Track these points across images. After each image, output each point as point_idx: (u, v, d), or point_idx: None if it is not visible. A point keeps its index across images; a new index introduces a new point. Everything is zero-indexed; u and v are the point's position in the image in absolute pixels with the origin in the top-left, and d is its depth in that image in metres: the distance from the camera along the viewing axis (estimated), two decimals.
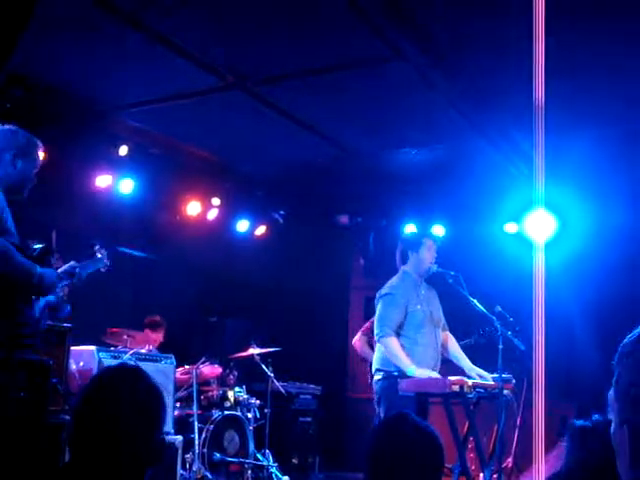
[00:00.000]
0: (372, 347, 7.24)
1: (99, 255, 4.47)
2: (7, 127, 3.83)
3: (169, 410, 6.19)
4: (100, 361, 6.10)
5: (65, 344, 5.12)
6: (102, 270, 4.47)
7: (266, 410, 7.64)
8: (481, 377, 5.38)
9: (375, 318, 5.55)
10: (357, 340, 7.37)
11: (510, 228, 8.32)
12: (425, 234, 5.94)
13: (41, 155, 3.92)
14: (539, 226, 6.71)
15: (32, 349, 3.54)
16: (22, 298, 3.57)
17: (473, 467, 6.25)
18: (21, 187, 3.83)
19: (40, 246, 3.92)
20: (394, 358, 5.27)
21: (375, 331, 5.49)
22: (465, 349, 5.78)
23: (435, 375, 5.22)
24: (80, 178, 7.19)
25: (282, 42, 5.46)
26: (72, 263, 4.08)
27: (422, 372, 5.17)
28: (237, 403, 7.37)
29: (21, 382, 3.32)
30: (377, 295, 5.65)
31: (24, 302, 3.57)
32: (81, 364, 6.03)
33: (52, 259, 3.95)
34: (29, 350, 3.51)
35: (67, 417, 4.78)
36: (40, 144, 3.91)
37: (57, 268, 3.96)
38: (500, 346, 5.14)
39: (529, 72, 4.10)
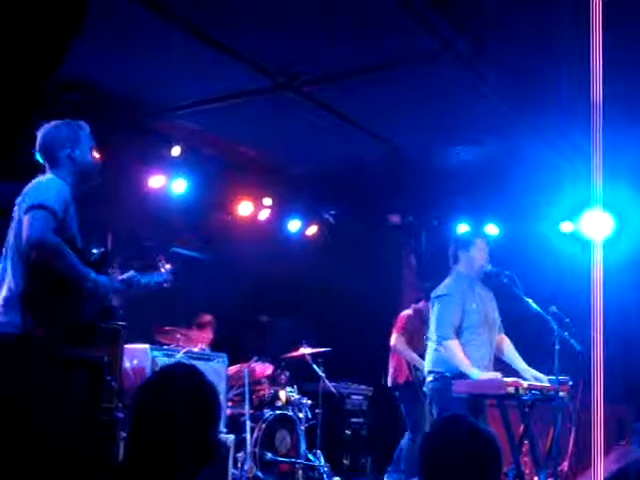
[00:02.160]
0: (410, 346, 7.23)
1: (162, 270, 4.45)
2: (47, 126, 3.80)
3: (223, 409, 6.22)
4: (153, 359, 6.18)
5: (119, 342, 5.19)
6: (165, 286, 4.44)
7: (317, 410, 7.64)
8: (536, 379, 5.29)
9: (433, 320, 5.48)
10: (397, 341, 7.31)
11: (566, 227, 8.16)
12: (476, 234, 5.87)
13: (88, 131, 3.90)
14: (596, 225, 6.56)
15: (87, 346, 3.58)
16: (76, 298, 3.59)
17: (528, 471, 6.15)
18: (89, 174, 3.85)
19: (97, 251, 3.93)
20: (457, 361, 5.19)
21: (436, 333, 5.41)
22: (520, 350, 5.68)
23: (497, 375, 5.10)
24: (134, 179, 7.28)
25: (332, 41, 5.44)
26: (132, 272, 4.09)
27: (485, 375, 5.09)
28: (289, 403, 7.38)
29: (77, 379, 3.36)
30: (432, 295, 5.59)
31: (78, 301, 3.59)
32: (135, 362, 6.11)
33: (110, 267, 3.96)
34: (83, 347, 3.54)
35: (121, 415, 4.84)
36: (83, 124, 3.89)
37: (113, 275, 3.98)
38: (556, 347, 5.03)
39: (586, 67, 4.00)
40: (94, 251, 3.91)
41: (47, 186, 3.59)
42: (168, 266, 4.42)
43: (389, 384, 7.53)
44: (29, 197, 3.52)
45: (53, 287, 3.48)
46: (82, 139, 3.83)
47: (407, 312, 7.63)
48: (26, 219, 3.43)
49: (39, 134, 3.79)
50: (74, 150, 3.77)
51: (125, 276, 4.00)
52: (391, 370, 7.49)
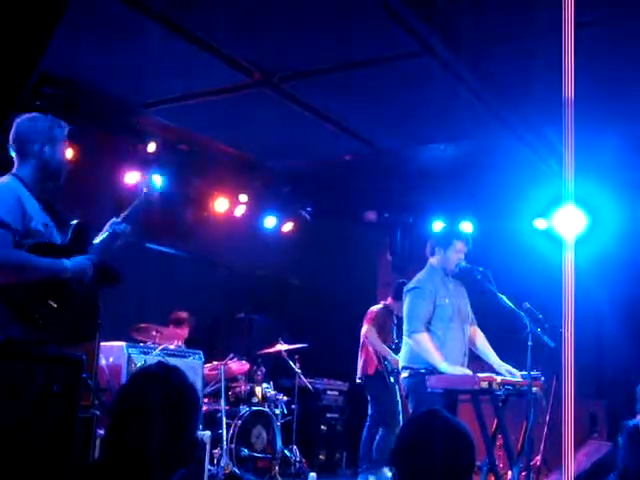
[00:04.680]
0: (380, 338, 7.34)
1: (144, 191, 4.22)
2: (25, 116, 3.69)
3: None
4: (129, 357, 6.16)
5: (95, 339, 5.17)
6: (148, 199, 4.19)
7: (293, 406, 7.67)
8: (510, 374, 5.35)
9: (404, 313, 5.54)
10: (369, 332, 7.39)
11: (539, 224, 8.25)
12: (457, 235, 5.86)
13: (66, 132, 3.79)
14: (569, 222, 6.64)
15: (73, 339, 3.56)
16: (58, 292, 3.56)
17: (501, 465, 6.22)
18: (56, 173, 3.74)
19: (73, 224, 3.83)
20: (426, 354, 5.24)
21: (405, 327, 5.47)
22: (494, 345, 5.74)
23: (466, 372, 5.19)
24: (109, 175, 7.25)
25: (309, 38, 5.45)
26: (112, 220, 3.95)
27: (454, 369, 5.15)
28: (264, 399, 7.40)
29: (55, 376, 3.34)
30: (404, 289, 5.64)
31: (62, 296, 3.57)
32: (110, 359, 6.10)
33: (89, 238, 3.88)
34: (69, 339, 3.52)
35: (97, 412, 4.83)
36: (63, 123, 3.79)
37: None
38: (529, 343, 5.09)
39: (558, 66, 4.05)
40: (72, 222, 3.83)
41: None
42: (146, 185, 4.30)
43: (358, 375, 7.59)
44: None
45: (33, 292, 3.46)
46: (57, 136, 3.73)
47: (377, 307, 7.72)
48: None
49: (15, 124, 3.67)
50: (44, 146, 3.66)
51: (106, 230, 3.92)
52: (361, 362, 7.56)
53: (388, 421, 7.21)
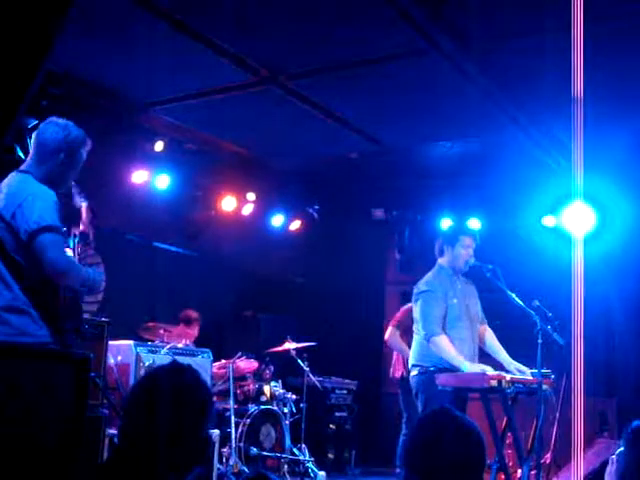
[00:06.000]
0: (405, 340, 7.23)
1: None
2: (62, 121, 3.62)
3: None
4: (137, 355, 6.17)
5: (103, 338, 5.18)
6: None
7: (302, 405, 7.65)
8: (520, 372, 5.32)
9: (417, 316, 5.50)
10: (390, 335, 7.29)
11: (548, 221, 8.21)
12: (463, 230, 5.87)
13: (88, 149, 3.74)
14: (577, 219, 6.61)
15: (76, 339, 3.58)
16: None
17: (511, 463, 6.19)
18: (56, 189, 3.62)
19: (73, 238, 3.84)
20: (447, 356, 5.20)
21: (422, 331, 5.41)
22: (503, 343, 5.72)
23: (487, 369, 5.13)
24: (116, 174, 7.25)
25: (316, 36, 5.44)
26: None
27: (478, 368, 5.11)
28: (273, 397, 7.39)
29: (63, 375, 3.35)
30: (415, 290, 5.60)
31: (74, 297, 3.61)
32: (119, 358, 6.10)
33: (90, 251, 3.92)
34: (74, 340, 3.54)
35: (105, 411, 4.83)
36: (89, 141, 3.73)
37: (94, 264, 3.93)
38: (539, 341, 5.07)
39: (567, 62, 4.03)
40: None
41: (46, 201, 3.43)
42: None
43: (390, 376, 7.56)
44: (34, 215, 3.36)
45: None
46: (81, 156, 3.69)
47: (409, 305, 7.59)
48: (40, 242, 3.34)
49: (48, 124, 3.61)
50: (66, 158, 3.59)
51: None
52: (392, 363, 7.51)
53: (408, 427, 7.12)
